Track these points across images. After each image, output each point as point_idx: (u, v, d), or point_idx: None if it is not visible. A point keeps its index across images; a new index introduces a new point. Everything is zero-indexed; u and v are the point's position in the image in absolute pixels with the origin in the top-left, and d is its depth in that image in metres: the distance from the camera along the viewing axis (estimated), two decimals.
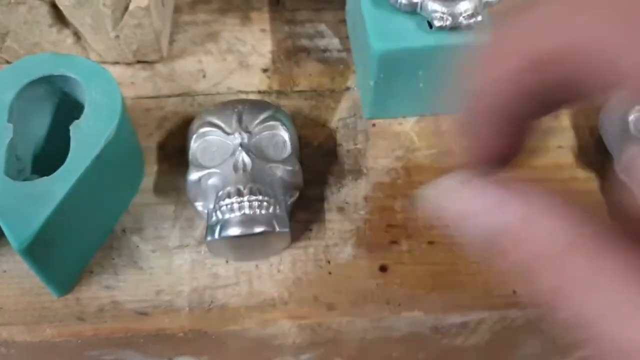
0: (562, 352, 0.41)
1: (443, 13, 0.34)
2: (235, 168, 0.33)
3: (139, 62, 0.41)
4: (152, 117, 0.39)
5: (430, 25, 0.35)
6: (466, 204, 0.19)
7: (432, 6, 0.34)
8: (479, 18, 0.34)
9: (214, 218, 0.32)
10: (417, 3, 0.35)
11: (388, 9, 0.35)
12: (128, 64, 0.41)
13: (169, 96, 0.40)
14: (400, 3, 0.35)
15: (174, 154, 0.37)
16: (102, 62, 0.41)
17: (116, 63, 0.41)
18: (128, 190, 0.36)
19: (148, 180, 0.36)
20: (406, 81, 0.37)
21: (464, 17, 0.34)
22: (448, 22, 0.34)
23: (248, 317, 0.32)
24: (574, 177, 0.38)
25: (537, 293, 0.16)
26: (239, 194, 0.32)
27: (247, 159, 0.33)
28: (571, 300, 0.15)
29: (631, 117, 0.36)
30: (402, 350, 0.38)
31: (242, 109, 0.35)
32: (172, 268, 0.34)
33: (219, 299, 0.33)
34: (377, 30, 0.35)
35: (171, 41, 0.42)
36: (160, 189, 0.36)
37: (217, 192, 0.32)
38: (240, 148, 0.33)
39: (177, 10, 0.44)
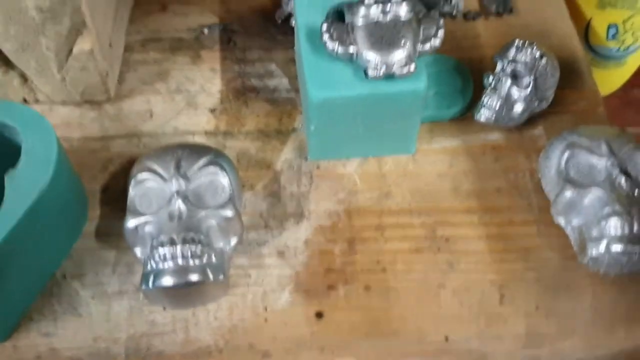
0: None
1: (377, 63, 0.35)
2: (171, 216, 0.33)
3: (86, 102, 0.41)
4: (98, 158, 0.39)
5: (366, 74, 0.35)
6: None
7: (367, 55, 0.35)
8: (412, 67, 0.35)
9: (148, 267, 0.33)
10: (352, 53, 0.35)
11: (326, 57, 0.36)
12: (76, 104, 0.41)
13: (115, 137, 0.40)
14: (337, 52, 0.35)
15: (117, 197, 0.38)
16: (50, 103, 0.41)
17: (64, 103, 0.41)
18: (70, 235, 0.36)
19: (91, 224, 0.37)
20: (346, 126, 0.38)
21: (397, 66, 0.35)
22: (382, 72, 0.35)
23: None
24: (511, 221, 0.38)
25: None
26: (172, 243, 0.32)
27: (182, 207, 0.33)
28: None
29: (566, 162, 0.37)
30: None
31: (181, 154, 0.35)
32: (110, 315, 0.34)
33: (155, 346, 0.33)
34: (315, 78, 0.36)
35: (120, 80, 0.43)
36: (102, 234, 0.37)
37: (152, 240, 0.33)
38: (176, 195, 0.34)
39: (127, 48, 0.44)
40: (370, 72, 0.35)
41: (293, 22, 0.45)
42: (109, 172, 0.39)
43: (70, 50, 0.38)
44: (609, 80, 0.56)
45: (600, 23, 0.51)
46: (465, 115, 0.42)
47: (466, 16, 0.47)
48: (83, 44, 0.37)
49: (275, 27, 0.46)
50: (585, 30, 0.51)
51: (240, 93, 0.43)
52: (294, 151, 0.40)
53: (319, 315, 0.35)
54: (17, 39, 0.36)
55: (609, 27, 0.51)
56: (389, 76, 0.35)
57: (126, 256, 0.36)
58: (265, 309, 0.35)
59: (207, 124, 0.41)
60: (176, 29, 0.45)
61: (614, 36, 0.51)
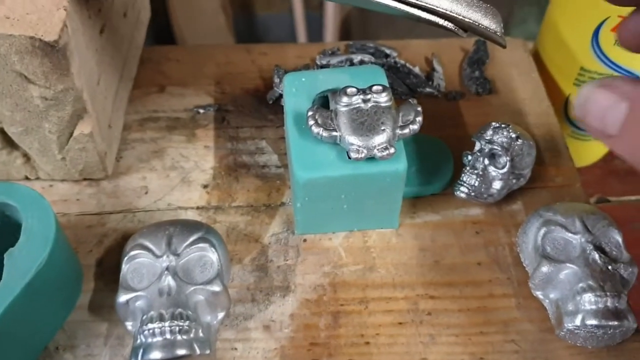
0: None
1: (359, 146, 0.37)
2: (160, 292, 0.35)
3: (85, 179, 0.43)
4: (93, 234, 0.41)
5: (349, 156, 0.37)
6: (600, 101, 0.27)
7: (350, 139, 0.37)
8: (392, 150, 0.37)
9: (137, 341, 0.34)
10: (336, 136, 0.37)
11: (312, 140, 0.38)
12: (75, 181, 0.43)
13: (110, 213, 0.42)
14: (322, 136, 0.38)
15: (111, 270, 0.39)
16: (50, 180, 0.43)
17: (64, 180, 0.43)
18: (64, 308, 0.37)
19: (85, 297, 0.38)
20: (331, 203, 0.39)
21: (378, 149, 0.37)
22: (363, 154, 0.37)
23: None
24: (491, 294, 0.40)
25: None
26: (161, 318, 0.34)
27: (172, 283, 0.35)
28: None
29: (542, 239, 0.39)
30: None
31: (172, 231, 0.37)
32: None
33: None
34: (301, 160, 0.38)
35: (118, 157, 0.45)
36: (94, 307, 0.38)
37: (142, 316, 0.34)
38: (166, 272, 0.35)
39: (126, 127, 0.47)
40: (353, 155, 0.37)
41: (283, 103, 0.48)
42: (103, 247, 0.41)
43: (71, 133, 0.40)
44: (590, 151, 0.58)
45: None
46: (447, 191, 0.44)
47: (447, 96, 0.50)
48: (83, 128, 0.40)
49: (266, 107, 0.49)
50: (564, 106, 0.54)
51: (231, 169, 0.45)
52: (282, 225, 0.42)
53: None
54: (22, 124, 0.39)
55: None
56: (371, 158, 0.37)
57: (117, 329, 0.37)
58: None
59: (199, 200, 0.43)
60: (173, 109, 0.48)
61: None
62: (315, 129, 0.38)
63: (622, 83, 0.27)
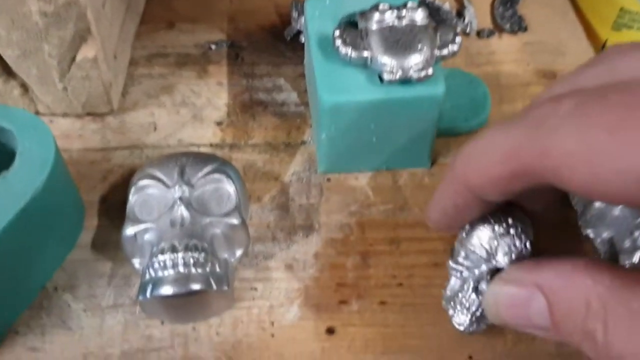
0: None
1: (393, 67, 0.33)
2: (172, 223, 0.31)
3: (88, 114, 0.40)
4: (97, 170, 0.38)
5: (381, 79, 0.34)
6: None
7: (382, 60, 0.33)
8: (430, 71, 0.33)
9: (146, 276, 0.30)
10: (367, 57, 0.34)
11: (339, 63, 0.35)
12: (77, 116, 0.40)
13: (116, 149, 0.39)
14: (350, 57, 0.34)
15: (116, 208, 0.36)
16: (50, 114, 0.40)
17: (65, 115, 0.40)
18: (63, 245, 0.34)
19: (87, 234, 0.35)
20: (358, 135, 0.36)
21: (414, 70, 0.33)
22: (398, 76, 0.33)
23: None
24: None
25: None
26: (174, 250, 0.30)
27: (185, 214, 0.31)
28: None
29: None
30: None
31: (185, 161, 0.34)
32: (103, 329, 0.31)
33: None
34: (327, 84, 0.34)
35: (124, 93, 0.41)
36: (98, 245, 0.34)
37: (152, 249, 0.31)
38: (179, 202, 0.32)
39: (133, 63, 0.43)
40: (386, 76, 0.33)
41: (302, 39, 0.44)
42: (108, 183, 0.37)
43: (73, 58, 0.37)
44: None
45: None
46: (482, 129, 0.40)
47: (480, 34, 0.46)
48: (87, 52, 0.36)
49: (284, 44, 0.45)
50: (601, 51, 0.50)
51: (247, 107, 0.41)
52: (303, 164, 0.39)
53: (330, 331, 0.32)
54: (19, 45, 0.35)
55: None
56: (405, 80, 0.34)
57: (123, 268, 0.33)
58: (272, 324, 0.32)
59: (213, 137, 0.40)
60: (183, 45, 0.45)
61: None
62: (343, 49, 0.34)
63: (523, 274, 0.25)
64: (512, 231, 0.29)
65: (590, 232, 0.35)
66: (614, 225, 0.34)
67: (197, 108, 0.41)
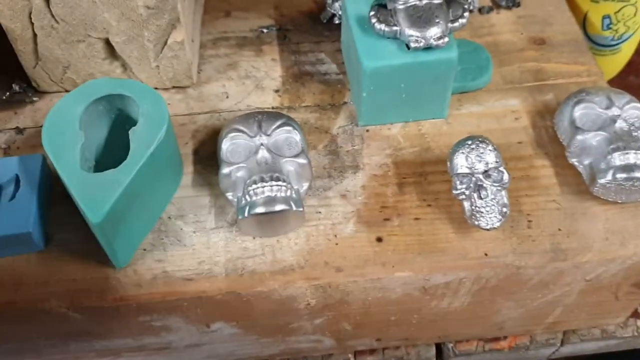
0: (535, 318, 0.49)
1: (417, 37, 0.43)
2: (258, 163, 0.41)
3: (173, 87, 0.50)
4: (187, 129, 0.48)
5: (408, 47, 0.44)
6: None
7: (409, 32, 0.43)
8: (446, 39, 0.43)
9: (243, 202, 0.40)
10: (396, 30, 0.44)
11: (374, 36, 0.45)
12: (165, 89, 0.50)
13: (199, 113, 0.49)
14: (384, 31, 0.44)
15: (206, 157, 0.46)
16: None
17: (156, 89, 0.50)
18: (172, 185, 0.44)
19: (187, 178, 0.45)
20: (391, 93, 0.46)
21: (434, 39, 0.43)
22: (422, 44, 0.43)
23: (272, 279, 0.40)
24: (532, 166, 0.46)
25: None
26: (263, 180, 0.40)
27: (267, 155, 0.42)
28: None
29: (577, 114, 0.45)
30: (399, 313, 0.45)
31: (261, 117, 0.44)
32: (209, 244, 0.42)
33: (248, 267, 0.41)
34: (367, 52, 0.44)
35: (199, 70, 0.51)
36: (196, 185, 0.45)
37: (245, 182, 0.41)
38: (261, 147, 0.42)
39: (202, 46, 0.53)
40: (412, 45, 0.43)
41: (336, 21, 0.54)
42: (197, 140, 0.47)
43: (166, 42, 0.47)
44: (607, 67, 0.65)
45: (595, 15, 0.59)
46: (487, 87, 0.50)
47: (481, 11, 0.56)
48: (176, 36, 0.46)
49: (321, 26, 0.55)
50: (583, 22, 0.60)
51: (297, 77, 0.51)
52: (346, 119, 0.49)
53: (379, 239, 0.42)
54: (125, 33, 0.45)
55: (603, 18, 0.59)
56: (428, 48, 0.44)
57: (219, 201, 0.44)
58: (335, 236, 0.42)
59: (273, 102, 0.50)
60: (240, 30, 0.55)
61: (608, 26, 0.60)
62: (377, 26, 0.44)
63: None
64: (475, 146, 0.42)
65: (575, 161, 0.45)
66: (592, 154, 0.44)
67: (258, 79, 0.51)
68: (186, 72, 0.49)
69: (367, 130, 0.48)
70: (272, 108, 0.49)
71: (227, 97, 0.50)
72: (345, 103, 0.50)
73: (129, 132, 0.40)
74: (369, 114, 0.48)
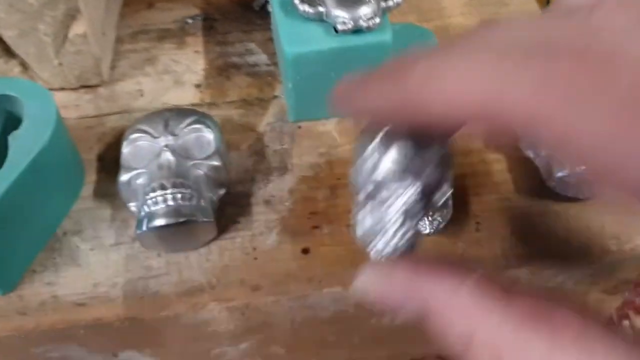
0: None
1: (345, 18, 0.38)
2: (160, 167, 0.36)
3: (82, 87, 0.45)
4: (93, 133, 0.42)
5: (336, 30, 0.38)
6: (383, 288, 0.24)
7: (335, 12, 0.38)
8: (377, 20, 0.38)
9: (142, 213, 0.35)
10: (322, 12, 0.38)
11: (298, 18, 0.39)
12: (73, 89, 0.44)
13: (108, 114, 0.43)
14: (308, 12, 0.39)
15: (112, 164, 0.40)
16: (48, 89, 0.44)
17: (62, 89, 0.44)
18: (68, 196, 0.39)
19: (87, 188, 0.39)
20: (322, 83, 0.40)
21: (363, 20, 0.38)
22: (350, 26, 0.38)
23: (178, 302, 0.35)
24: (482, 160, 0.41)
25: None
26: (163, 188, 0.35)
27: (171, 158, 0.36)
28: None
29: None
30: (336, 334, 0.40)
31: (169, 115, 0.38)
32: (108, 263, 0.36)
33: (151, 288, 0.35)
34: (289, 37, 0.39)
35: (112, 67, 0.46)
36: (98, 195, 0.39)
37: (144, 189, 0.35)
38: (165, 148, 0.36)
39: (118, 40, 0.48)
40: (340, 27, 0.38)
41: (270, 8, 0.48)
42: (103, 143, 0.42)
43: (66, 35, 0.41)
44: None
45: None
46: None
47: None
48: (77, 29, 0.41)
49: (253, 13, 0.50)
50: (547, 1, 0.55)
51: (222, 69, 0.46)
52: (276, 115, 0.43)
53: (305, 251, 0.37)
54: (17, 26, 0.40)
55: None
56: (357, 30, 0.38)
57: (122, 213, 0.38)
58: (254, 249, 0.37)
59: (193, 98, 0.44)
60: (162, 22, 0.49)
61: None
62: (301, 7, 0.39)
63: (406, 279, 0.23)
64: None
65: (530, 152, 0.40)
66: None
67: (178, 74, 0.46)
68: (93, 69, 0.43)
69: (299, 127, 0.43)
70: (192, 105, 0.44)
71: (142, 95, 0.44)
72: (275, 97, 0.44)
73: (9, 137, 0.35)
74: (299, 108, 0.42)
